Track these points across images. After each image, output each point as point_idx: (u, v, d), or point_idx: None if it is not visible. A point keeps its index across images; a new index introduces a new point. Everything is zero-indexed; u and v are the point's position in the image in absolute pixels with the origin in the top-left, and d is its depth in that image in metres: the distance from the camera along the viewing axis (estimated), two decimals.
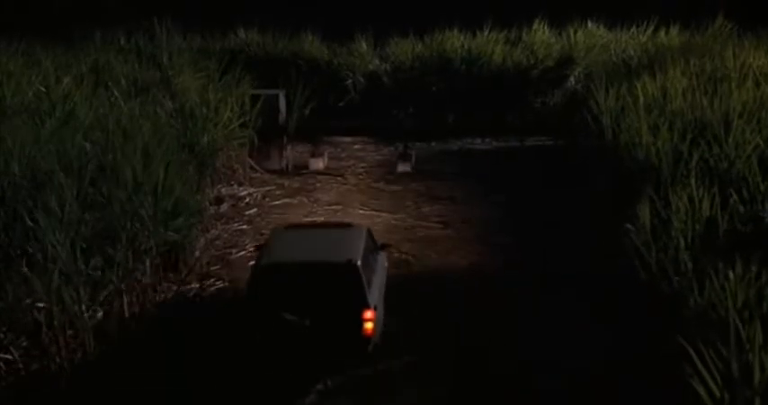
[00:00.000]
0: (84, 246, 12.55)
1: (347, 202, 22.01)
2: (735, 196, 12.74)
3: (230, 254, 18.12)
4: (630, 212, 13.56)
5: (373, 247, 14.74)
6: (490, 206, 21.29)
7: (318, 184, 23.86)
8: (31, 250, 12.11)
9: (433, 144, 28.30)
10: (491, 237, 19.12)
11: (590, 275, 15.64)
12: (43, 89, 19.64)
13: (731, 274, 9.37)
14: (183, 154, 18.27)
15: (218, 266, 17.34)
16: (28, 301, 11.96)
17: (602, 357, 12.61)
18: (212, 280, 16.67)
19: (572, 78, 30.40)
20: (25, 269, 11.80)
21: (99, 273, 12.52)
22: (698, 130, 16.22)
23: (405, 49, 31.64)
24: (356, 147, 28.37)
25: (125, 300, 13.60)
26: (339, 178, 24.44)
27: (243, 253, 18.11)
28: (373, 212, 20.99)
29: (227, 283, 16.49)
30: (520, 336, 13.97)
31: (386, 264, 15.40)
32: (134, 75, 22.89)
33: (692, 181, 13.09)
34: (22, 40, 25.22)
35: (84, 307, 12.12)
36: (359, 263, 13.01)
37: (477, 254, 18.17)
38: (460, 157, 26.94)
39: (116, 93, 20.39)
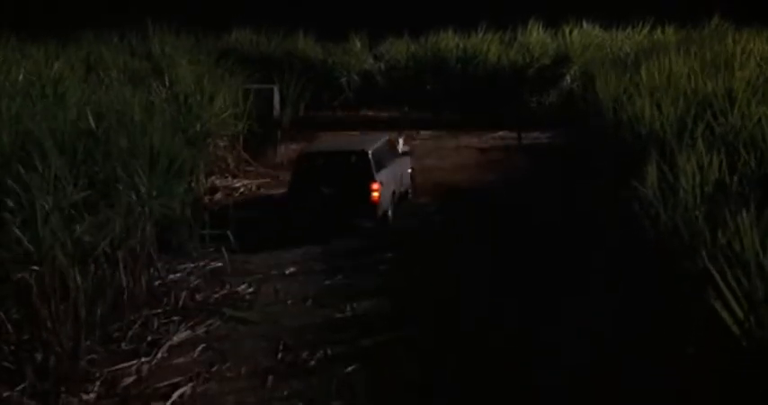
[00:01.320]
0: (74, 211, 12.15)
1: None
2: (745, 156, 12.42)
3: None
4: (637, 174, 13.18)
5: (391, 149, 20.15)
6: (488, 193, 21.10)
7: None
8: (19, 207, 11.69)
9: (429, 142, 27.99)
10: (493, 215, 19.26)
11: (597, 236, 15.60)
12: (34, 77, 19.31)
13: (745, 215, 9.03)
14: (177, 137, 17.83)
15: (211, 249, 16.95)
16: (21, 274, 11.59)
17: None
18: (207, 260, 16.37)
19: (568, 77, 30.22)
20: (16, 231, 11.37)
21: (88, 236, 12.12)
22: (702, 105, 15.86)
23: (399, 48, 31.53)
24: None
25: (120, 267, 13.20)
26: None
27: None
28: None
29: (220, 264, 16.18)
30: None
31: (409, 164, 21.05)
32: (126, 65, 22.59)
33: (699, 144, 12.74)
34: (11, 37, 24.96)
35: (76, 270, 11.73)
36: (370, 151, 18.23)
37: (479, 231, 18.22)
38: (456, 153, 26.61)
39: (107, 80, 20.03)
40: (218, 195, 21.18)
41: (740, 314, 7.62)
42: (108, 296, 12.83)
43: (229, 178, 22.91)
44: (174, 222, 15.97)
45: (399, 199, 19.81)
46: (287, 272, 15.97)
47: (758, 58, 19.37)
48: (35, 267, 11.39)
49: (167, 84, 21.14)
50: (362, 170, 17.95)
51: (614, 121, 17.89)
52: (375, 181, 17.84)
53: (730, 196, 11.20)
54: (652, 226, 11.70)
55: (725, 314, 7.65)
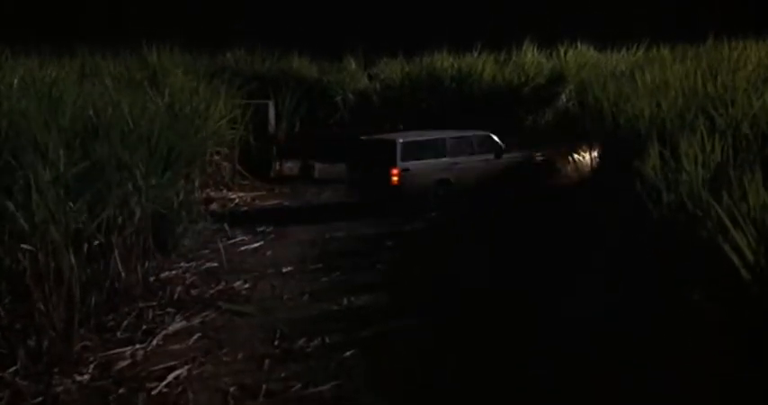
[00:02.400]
0: (68, 192, 11.93)
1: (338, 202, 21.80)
2: (747, 138, 12.30)
3: (221, 241, 17.54)
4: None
5: (466, 145, 21.90)
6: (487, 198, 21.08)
7: (310, 189, 23.54)
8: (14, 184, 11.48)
9: None
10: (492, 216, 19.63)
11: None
12: (29, 82, 19.11)
13: (751, 178, 8.92)
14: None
15: (207, 250, 16.86)
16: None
17: None
18: (203, 260, 16.22)
19: (563, 96, 30.17)
20: (11, 205, 11.14)
21: (83, 216, 11.92)
22: (702, 103, 15.72)
23: (394, 68, 31.47)
24: None
25: (115, 255, 12.99)
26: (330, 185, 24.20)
27: (235, 240, 17.74)
28: None
29: (216, 264, 16.02)
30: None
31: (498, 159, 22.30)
32: (122, 75, 22.47)
33: (702, 130, 12.58)
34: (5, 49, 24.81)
35: (70, 251, 11.50)
36: (400, 141, 20.89)
37: (478, 230, 18.48)
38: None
39: (101, 86, 19.85)
40: (214, 205, 21.02)
41: (750, 257, 7.47)
42: (102, 284, 12.62)
43: (224, 190, 22.79)
44: (169, 220, 15.84)
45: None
46: (284, 270, 15.80)
47: (755, 63, 19.32)
48: (28, 247, 11.19)
49: (164, 93, 20.93)
50: (388, 156, 20.56)
51: (613, 124, 17.78)
52: (395, 167, 20.44)
53: (734, 171, 11.03)
54: (655, 207, 11.54)
55: (734, 257, 7.49)
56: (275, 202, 22.14)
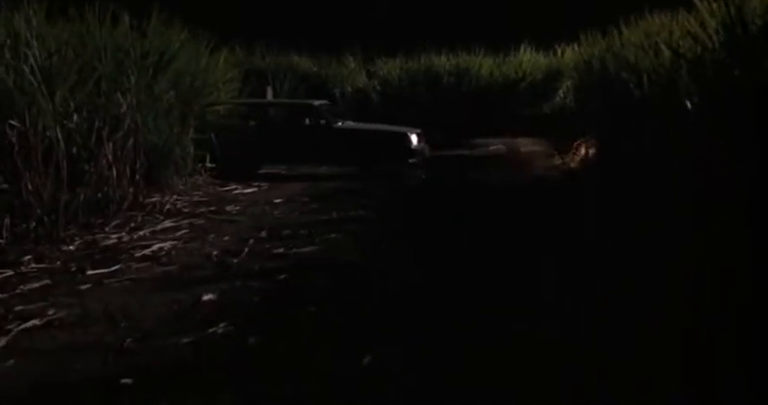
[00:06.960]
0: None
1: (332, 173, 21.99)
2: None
3: (216, 188, 17.76)
4: None
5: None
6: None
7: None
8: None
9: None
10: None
11: None
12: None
13: None
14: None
15: (199, 192, 17.02)
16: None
17: None
18: (194, 195, 16.40)
19: (560, 92, 30.45)
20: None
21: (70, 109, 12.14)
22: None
23: (392, 66, 31.77)
24: None
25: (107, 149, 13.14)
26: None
27: (228, 188, 17.91)
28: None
29: (206, 198, 16.20)
30: None
31: None
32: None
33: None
34: None
35: (58, 130, 11.70)
36: None
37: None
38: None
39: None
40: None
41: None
42: (91, 180, 12.78)
43: None
44: (162, 154, 16.04)
45: None
46: (275, 201, 15.96)
47: None
48: (16, 124, 11.40)
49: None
50: None
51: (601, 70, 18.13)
52: None
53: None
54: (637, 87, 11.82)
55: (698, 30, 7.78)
56: (272, 170, 22.25)
